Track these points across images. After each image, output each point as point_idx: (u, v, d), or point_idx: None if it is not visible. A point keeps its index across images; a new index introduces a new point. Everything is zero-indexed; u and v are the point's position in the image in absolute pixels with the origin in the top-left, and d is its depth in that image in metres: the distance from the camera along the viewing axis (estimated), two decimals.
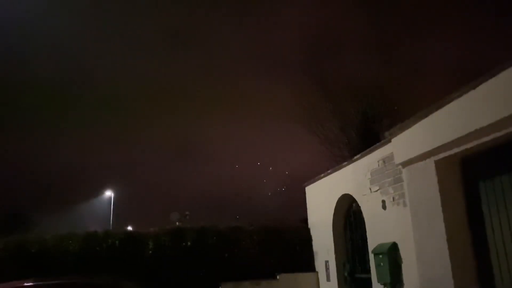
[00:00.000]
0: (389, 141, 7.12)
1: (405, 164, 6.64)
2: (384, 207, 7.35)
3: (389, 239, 7.13)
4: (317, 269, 10.34)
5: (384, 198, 7.35)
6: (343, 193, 8.96)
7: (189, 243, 10.19)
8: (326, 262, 9.70)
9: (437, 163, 5.97)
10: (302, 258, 10.62)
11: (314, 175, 10.92)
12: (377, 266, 7.22)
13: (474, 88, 5.03)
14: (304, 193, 11.35)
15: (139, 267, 9.68)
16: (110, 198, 38.74)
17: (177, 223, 13.13)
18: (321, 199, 10.12)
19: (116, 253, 9.73)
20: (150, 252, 9.97)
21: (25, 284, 5.86)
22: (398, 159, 6.76)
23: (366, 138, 12.82)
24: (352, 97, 13.74)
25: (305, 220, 13.63)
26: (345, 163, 8.87)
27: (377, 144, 7.66)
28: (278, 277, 10.14)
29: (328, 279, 9.62)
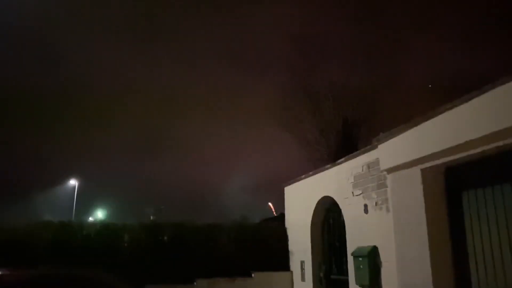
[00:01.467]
0: (375, 147, 7.29)
1: (391, 170, 6.81)
2: (366, 211, 7.52)
3: (369, 243, 7.31)
4: (292, 269, 10.47)
5: (367, 202, 7.52)
6: (324, 195, 9.11)
7: (165, 238, 10.11)
8: (302, 262, 9.84)
9: (423, 171, 6.16)
10: (277, 257, 10.72)
11: (291, 176, 11.07)
12: (356, 268, 7.39)
13: (466, 101, 5.23)
14: (281, 192, 11.48)
15: (114, 260, 9.50)
16: (74, 187, 37.68)
17: (151, 216, 12.97)
18: (300, 200, 10.24)
19: (91, 244, 9.53)
20: (126, 245, 9.82)
21: None
22: (384, 165, 6.94)
23: (345, 143, 13.08)
24: (334, 101, 13.97)
25: (276, 219, 13.75)
26: (328, 165, 9.01)
27: (362, 149, 7.83)
28: (253, 275, 10.20)
29: (303, 279, 9.75)
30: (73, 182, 37.28)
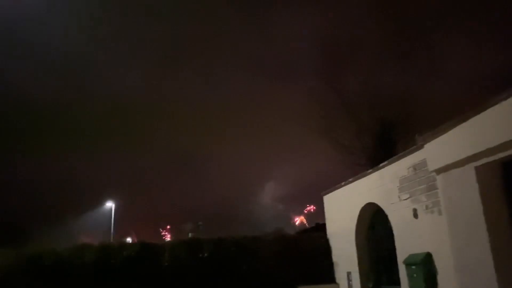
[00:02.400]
0: (420, 147, 6.92)
1: (441, 170, 6.42)
2: (415, 215, 7.11)
3: (422, 249, 6.88)
4: (337, 281, 10.06)
5: (416, 206, 7.11)
6: (367, 201, 8.73)
7: (206, 254, 9.92)
8: (349, 273, 9.43)
9: (477, 169, 5.75)
10: (321, 269, 10.34)
11: (330, 183, 10.73)
12: (410, 277, 6.97)
13: None
14: (321, 201, 11.15)
15: (155, 278, 9.41)
16: (110, 209, 38.29)
17: (189, 234, 12.84)
18: (341, 208, 9.88)
19: (132, 264, 9.45)
20: (166, 264, 9.69)
21: None
22: (432, 166, 6.55)
23: (382, 145, 12.63)
24: (368, 104, 13.59)
25: (314, 229, 13.36)
26: (370, 170, 8.65)
27: (406, 150, 7.45)
28: None
29: None
30: (110, 204, 37.93)
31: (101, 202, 37.86)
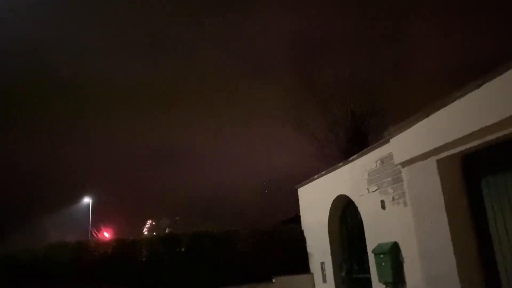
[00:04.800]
0: (387, 141, 7.19)
1: (405, 163, 6.70)
2: (383, 207, 7.41)
3: (389, 239, 7.19)
4: (312, 271, 10.36)
5: (383, 198, 7.41)
6: (339, 194, 9.00)
7: (183, 249, 10.06)
8: (322, 263, 9.73)
9: (439, 162, 6.04)
10: (296, 260, 10.61)
11: (303, 176, 10.98)
12: (378, 265, 7.27)
13: (478, 87, 5.11)
14: (295, 193, 11.40)
15: (133, 275, 9.50)
16: (88, 204, 37.90)
17: (166, 229, 12.93)
18: (315, 200, 10.14)
19: (109, 261, 9.51)
20: (144, 259, 9.78)
21: None
22: (398, 159, 6.82)
23: (355, 138, 12.96)
24: (340, 97, 13.87)
25: (292, 221, 13.64)
26: (340, 163, 8.91)
27: (374, 144, 7.73)
28: (274, 280, 10.12)
29: (324, 280, 9.64)
30: (87, 200, 37.54)
31: (78, 197, 37.45)
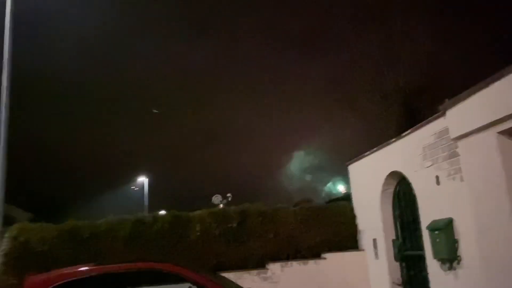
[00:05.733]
0: (442, 114, 6.92)
1: (462, 137, 6.43)
2: (438, 182, 7.17)
3: (444, 215, 6.97)
4: (363, 248, 10.28)
5: (438, 173, 7.16)
6: (391, 170, 8.81)
7: (234, 225, 10.27)
8: (374, 240, 9.62)
9: (499, 135, 5.74)
10: (347, 237, 10.55)
11: (354, 154, 10.81)
12: (433, 242, 7.10)
13: None
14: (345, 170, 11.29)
15: (188, 248, 9.85)
16: (144, 183, 39.57)
17: (220, 205, 13.25)
18: (366, 177, 9.99)
19: (164, 236, 9.91)
20: (198, 233, 10.09)
21: (86, 268, 5.76)
22: (454, 133, 6.56)
23: (407, 114, 12.53)
24: (393, 71, 13.38)
25: (344, 198, 13.53)
26: (393, 139, 8.68)
27: (429, 118, 7.44)
28: (325, 256, 10.14)
29: (376, 257, 9.55)
30: (143, 179, 39.21)
31: (135, 176, 39.16)
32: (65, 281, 5.25)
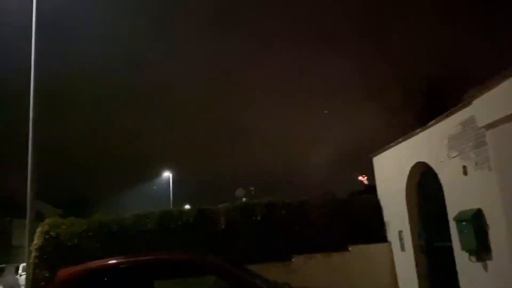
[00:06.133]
0: (468, 104, 6.78)
1: (490, 126, 6.28)
2: (465, 172, 7.04)
3: (472, 205, 6.84)
4: (389, 240, 10.19)
5: (465, 163, 7.03)
6: (416, 161, 8.69)
7: (258, 218, 10.32)
8: (400, 232, 9.52)
9: None
10: (372, 229, 10.47)
11: (378, 146, 10.69)
12: (461, 233, 6.99)
13: None
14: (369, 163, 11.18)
15: (213, 241, 9.95)
16: (169, 179, 40.16)
17: (243, 199, 13.33)
18: (391, 169, 9.88)
19: (190, 229, 10.04)
20: (222, 227, 10.19)
21: (116, 261, 5.89)
22: (482, 122, 6.41)
23: (431, 104, 12.27)
24: (415, 62, 13.14)
25: (368, 191, 13.43)
26: (418, 130, 8.55)
27: (454, 108, 7.30)
28: (350, 248, 10.10)
29: (403, 249, 9.45)
30: (168, 174, 39.80)
31: (159, 172, 39.73)
32: (95, 273, 5.40)
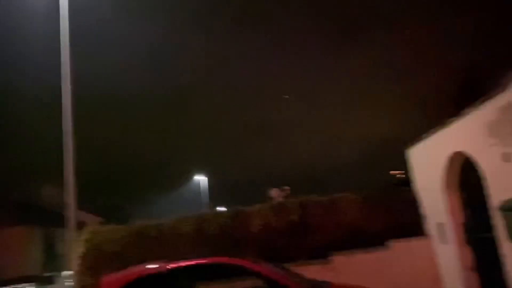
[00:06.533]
0: (506, 88, 6.53)
1: None
2: (506, 159, 6.77)
3: None
4: (429, 233, 9.93)
5: (506, 150, 6.77)
6: (454, 150, 8.43)
7: (294, 217, 10.27)
8: (440, 224, 9.26)
9: None
10: (410, 223, 10.21)
11: (413, 137, 10.44)
12: (507, 223, 6.74)
13: None
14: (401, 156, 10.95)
15: (249, 242, 9.98)
16: (201, 182, 40.65)
17: (278, 198, 13.30)
18: (427, 160, 9.64)
19: (226, 231, 10.10)
20: (258, 228, 10.19)
21: (157, 266, 5.97)
22: None
23: (467, 91, 11.86)
24: (450, 48, 12.74)
25: (404, 184, 13.13)
26: (454, 118, 8.30)
27: (492, 93, 7.04)
28: (389, 244, 9.90)
29: (444, 242, 9.20)
30: (200, 177, 40.30)
31: (192, 175, 40.23)
32: (138, 278, 5.51)
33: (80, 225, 11.98)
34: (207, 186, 39.48)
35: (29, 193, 33.25)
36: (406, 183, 11.79)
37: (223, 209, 11.75)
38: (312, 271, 9.42)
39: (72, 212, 11.13)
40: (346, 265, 9.62)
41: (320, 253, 9.90)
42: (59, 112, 11.76)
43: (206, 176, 39.65)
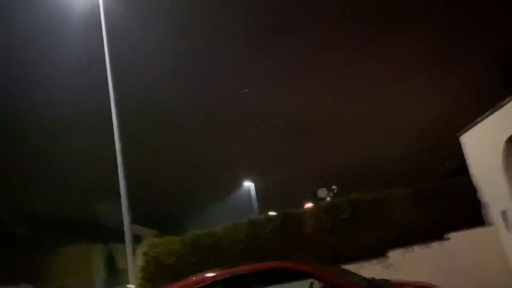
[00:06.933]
0: None
1: None
2: None
3: None
4: (491, 222, 9.44)
5: None
6: (510, 133, 7.99)
7: (346, 216, 10.09)
8: (504, 212, 8.78)
9: None
10: (469, 213, 9.76)
11: (465, 123, 10.00)
12: None
13: None
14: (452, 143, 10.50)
15: (301, 245, 9.87)
16: (250, 188, 40.92)
17: (327, 198, 13.16)
18: (482, 145, 9.20)
19: (278, 235, 10.06)
20: (309, 229, 10.10)
21: (215, 273, 6.00)
22: None
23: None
24: (490, 32, 12.08)
25: (458, 172, 12.57)
26: (508, 99, 7.86)
27: None
28: (448, 236, 9.49)
29: (509, 230, 8.70)
30: (248, 183, 40.61)
31: (239, 182, 40.62)
32: (198, 287, 5.59)
33: (137, 239, 12.39)
34: (255, 192, 39.65)
35: (90, 212, 34.86)
36: (461, 171, 11.29)
37: (273, 213, 11.71)
38: (369, 269, 9.22)
39: (127, 227, 11.51)
40: (404, 261, 9.34)
41: (377, 250, 9.66)
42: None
43: (253, 182, 39.83)
